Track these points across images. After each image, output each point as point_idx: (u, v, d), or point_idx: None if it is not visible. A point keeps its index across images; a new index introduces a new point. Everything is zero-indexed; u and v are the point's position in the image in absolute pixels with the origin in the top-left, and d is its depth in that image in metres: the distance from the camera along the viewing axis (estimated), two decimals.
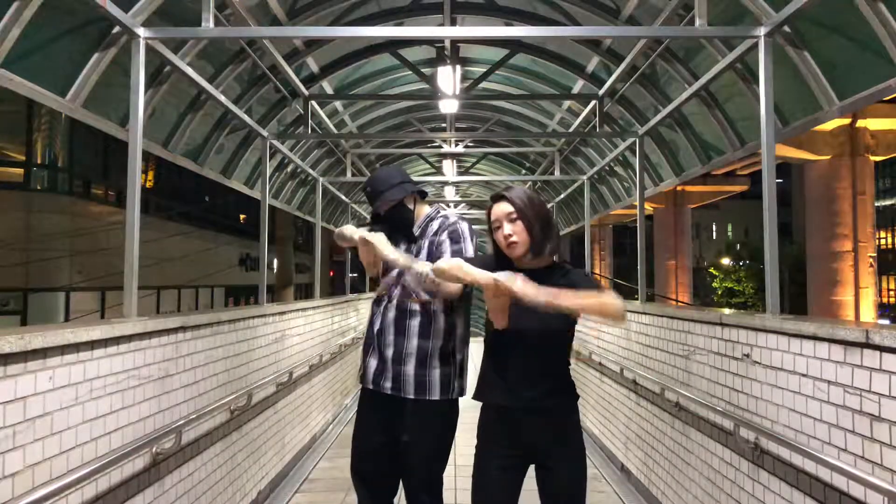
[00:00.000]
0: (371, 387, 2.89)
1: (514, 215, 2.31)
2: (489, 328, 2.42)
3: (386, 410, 2.88)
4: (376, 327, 2.92)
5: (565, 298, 2.09)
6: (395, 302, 2.88)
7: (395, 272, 2.90)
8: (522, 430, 2.35)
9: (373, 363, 2.90)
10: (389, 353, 2.85)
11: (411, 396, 2.82)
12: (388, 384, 2.84)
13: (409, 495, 2.94)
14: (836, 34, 3.52)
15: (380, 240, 2.65)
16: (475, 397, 2.47)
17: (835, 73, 3.64)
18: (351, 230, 2.75)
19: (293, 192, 8.67)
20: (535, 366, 2.34)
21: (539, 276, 2.20)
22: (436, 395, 2.83)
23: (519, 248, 2.31)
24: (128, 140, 3.66)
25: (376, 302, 2.97)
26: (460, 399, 2.96)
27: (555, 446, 2.38)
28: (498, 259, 2.39)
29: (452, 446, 2.99)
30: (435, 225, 2.92)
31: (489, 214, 2.40)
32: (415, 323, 2.84)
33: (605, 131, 6.79)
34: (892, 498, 2.11)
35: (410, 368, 2.82)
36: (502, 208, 2.34)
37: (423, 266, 2.50)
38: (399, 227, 2.91)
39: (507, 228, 2.31)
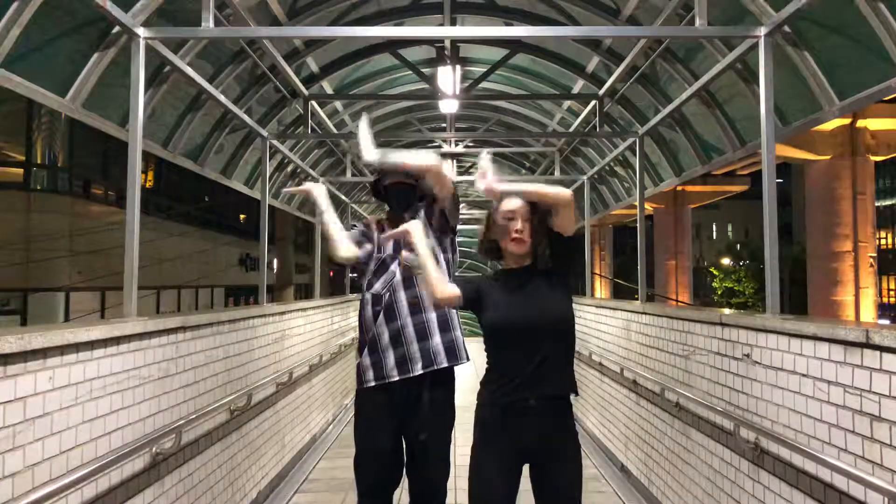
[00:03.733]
0: (396, 378, 2.85)
1: (528, 216, 2.41)
2: (489, 326, 2.42)
3: (400, 402, 2.87)
4: (385, 321, 2.88)
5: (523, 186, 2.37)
6: (401, 284, 2.89)
7: (394, 266, 2.90)
8: (522, 430, 2.35)
9: (390, 356, 2.86)
10: (410, 331, 2.84)
11: (444, 365, 2.85)
12: (419, 365, 2.83)
13: (418, 490, 2.94)
14: (836, 34, 3.52)
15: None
16: (479, 398, 2.47)
17: (835, 73, 3.64)
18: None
19: None
20: (536, 360, 2.36)
21: (522, 273, 2.41)
22: (464, 358, 2.92)
23: (522, 248, 2.40)
24: (128, 140, 3.66)
25: (377, 301, 2.93)
26: (457, 399, 2.98)
27: (553, 445, 2.39)
28: (488, 252, 2.49)
29: (452, 444, 3.01)
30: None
31: (499, 204, 2.45)
32: (418, 296, 2.89)
33: (605, 131, 6.79)
34: (893, 498, 2.11)
35: (437, 337, 2.85)
36: (521, 206, 2.41)
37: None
38: (404, 208, 2.92)
39: (520, 224, 2.39)
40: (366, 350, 2.95)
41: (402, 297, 2.88)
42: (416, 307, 2.87)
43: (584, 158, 8.75)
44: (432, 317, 2.89)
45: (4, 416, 2.08)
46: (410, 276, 2.88)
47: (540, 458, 2.40)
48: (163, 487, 3.13)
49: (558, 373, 2.41)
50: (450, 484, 3.02)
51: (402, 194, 2.97)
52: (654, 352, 4.67)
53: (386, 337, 2.88)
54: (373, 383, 2.90)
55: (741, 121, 4.86)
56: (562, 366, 2.42)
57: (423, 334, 2.85)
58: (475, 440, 2.45)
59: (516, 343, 2.35)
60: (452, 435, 3.03)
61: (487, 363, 2.46)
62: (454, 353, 2.89)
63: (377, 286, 2.93)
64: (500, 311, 2.37)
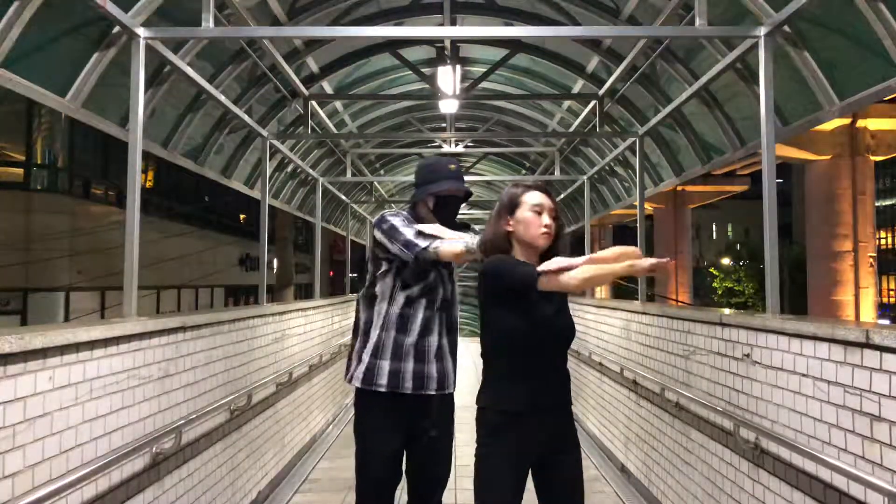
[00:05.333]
0: (409, 391, 2.81)
1: (555, 213, 2.44)
2: (512, 329, 2.40)
3: (413, 413, 2.86)
4: (416, 330, 2.83)
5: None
6: (438, 302, 2.88)
7: (433, 275, 2.87)
8: (531, 435, 2.36)
9: (409, 367, 2.82)
10: (433, 352, 2.85)
11: (451, 390, 2.91)
12: (434, 384, 2.84)
13: (424, 489, 2.94)
14: (836, 34, 3.52)
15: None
16: (479, 401, 2.47)
17: (835, 73, 3.64)
18: None
19: (293, 192, 8.67)
20: (554, 367, 2.40)
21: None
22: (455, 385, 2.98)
23: (548, 242, 2.41)
24: (128, 140, 3.66)
25: (409, 304, 2.84)
26: (457, 399, 2.99)
27: (557, 446, 2.41)
28: (495, 246, 2.44)
29: (452, 444, 3.02)
30: None
31: (522, 195, 2.44)
32: (449, 319, 2.93)
33: (605, 131, 6.79)
34: (892, 498, 2.11)
35: (450, 364, 2.91)
36: (549, 202, 2.44)
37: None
38: (449, 220, 2.90)
39: (547, 220, 2.41)
40: (388, 353, 2.85)
41: (442, 316, 2.88)
42: (442, 329, 2.89)
43: (584, 158, 8.75)
44: (454, 339, 2.96)
45: (4, 416, 2.08)
46: (453, 297, 2.94)
47: (545, 458, 2.42)
48: (163, 487, 3.13)
49: (565, 381, 2.45)
50: (451, 484, 3.02)
51: (456, 205, 2.99)
52: (654, 352, 4.66)
53: (412, 350, 2.83)
54: (384, 389, 2.85)
55: (741, 121, 4.86)
56: (567, 374, 2.46)
57: (441, 356, 2.89)
58: (482, 444, 2.43)
59: (535, 352, 2.35)
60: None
61: (494, 365, 2.44)
62: (454, 381, 2.98)
63: (415, 290, 2.85)
64: (527, 318, 2.34)
